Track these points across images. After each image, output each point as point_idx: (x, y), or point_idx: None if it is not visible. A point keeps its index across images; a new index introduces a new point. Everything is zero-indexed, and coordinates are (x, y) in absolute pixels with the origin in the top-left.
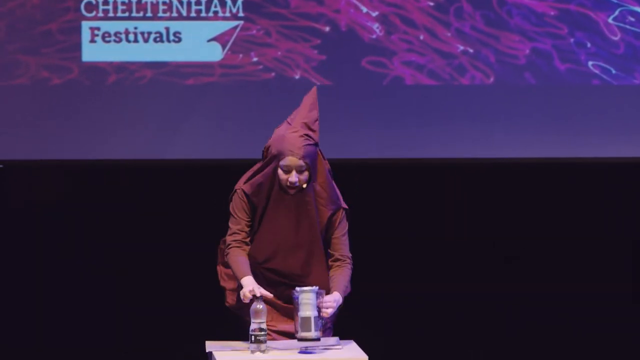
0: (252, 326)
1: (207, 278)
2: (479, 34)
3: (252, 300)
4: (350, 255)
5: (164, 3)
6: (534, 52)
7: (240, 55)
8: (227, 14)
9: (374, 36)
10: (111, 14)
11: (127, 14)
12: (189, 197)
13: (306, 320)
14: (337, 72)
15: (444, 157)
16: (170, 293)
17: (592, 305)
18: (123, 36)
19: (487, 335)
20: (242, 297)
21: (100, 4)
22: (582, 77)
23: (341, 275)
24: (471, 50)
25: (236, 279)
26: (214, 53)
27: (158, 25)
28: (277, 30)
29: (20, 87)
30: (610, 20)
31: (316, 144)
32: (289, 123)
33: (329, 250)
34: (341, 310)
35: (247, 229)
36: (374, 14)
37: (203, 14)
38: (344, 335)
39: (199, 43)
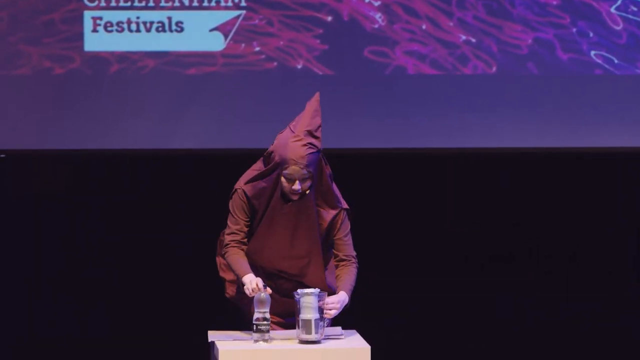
0: (256, 315)
1: (209, 268)
2: (481, 24)
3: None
4: (354, 254)
5: None
6: (537, 42)
7: (243, 45)
8: (229, 4)
9: (376, 26)
10: (113, 4)
11: (129, 4)
12: (191, 187)
13: (307, 322)
14: (340, 61)
15: (446, 147)
16: (171, 283)
17: (599, 297)
18: (125, 26)
19: (489, 326)
20: (248, 293)
21: None
22: (585, 67)
23: (347, 274)
24: (473, 40)
25: (237, 277)
26: (216, 43)
27: (160, 15)
28: (280, 20)
29: (22, 77)
30: (612, 9)
31: (319, 151)
32: (292, 130)
33: (334, 251)
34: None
35: (245, 229)
36: (376, 3)
37: (205, 4)
38: (346, 326)
39: (201, 33)
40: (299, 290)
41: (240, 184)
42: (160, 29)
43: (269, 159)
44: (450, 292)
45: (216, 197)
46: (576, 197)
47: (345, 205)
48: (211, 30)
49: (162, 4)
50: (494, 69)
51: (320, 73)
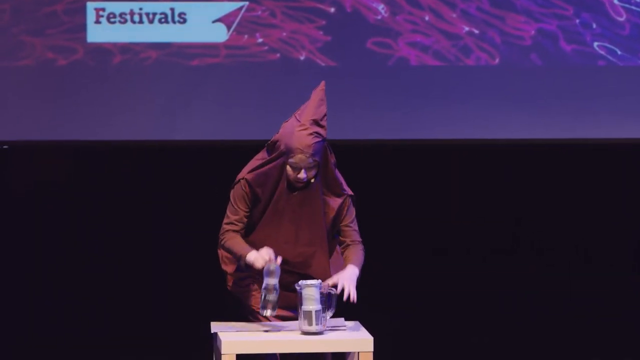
0: (264, 285)
1: (212, 260)
2: (484, 15)
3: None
4: (361, 240)
5: None
6: (540, 33)
7: (245, 36)
8: None
9: (379, 17)
10: None
11: None
12: (194, 179)
13: (308, 314)
14: (342, 53)
15: (449, 138)
16: (174, 275)
17: (602, 291)
18: (128, 17)
19: (492, 319)
20: (259, 265)
21: None
22: (588, 58)
23: (355, 253)
24: (476, 31)
25: (239, 257)
26: (219, 34)
27: (163, 6)
28: (282, 11)
29: (25, 69)
30: (615, 1)
31: (324, 140)
32: (297, 119)
33: (340, 238)
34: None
35: (244, 221)
36: None
37: None
38: (349, 317)
39: (204, 24)
40: (300, 282)
41: (243, 173)
42: (163, 20)
43: (273, 147)
44: (453, 285)
45: (219, 189)
46: (579, 189)
47: (350, 192)
48: (214, 21)
49: None
50: (497, 60)
51: (323, 64)
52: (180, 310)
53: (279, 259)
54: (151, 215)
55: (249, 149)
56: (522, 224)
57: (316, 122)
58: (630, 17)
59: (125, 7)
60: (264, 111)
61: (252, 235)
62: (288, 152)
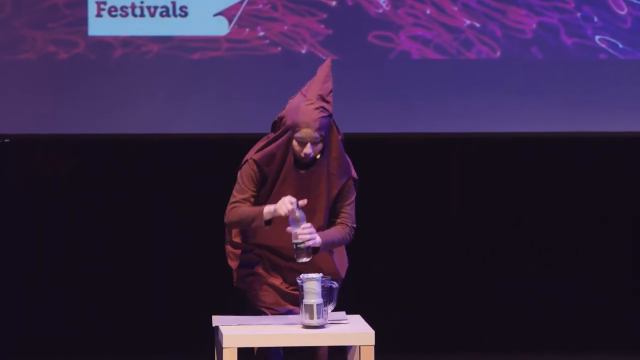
0: (292, 235)
1: (214, 254)
2: (485, 8)
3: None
4: (353, 224)
5: None
6: (541, 27)
7: (247, 30)
8: None
9: (381, 10)
10: None
11: None
12: (195, 172)
13: (310, 307)
14: (344, 46)
15: (450, 132)
16: (174, 269)
17: (601, 291)
18: (129, 10)
19: (491, 315)
20: (283, 213)
21: None
22: (589, 52)
23: (331, 231)
24: (478, 25)
25: (254, 218)
26: (220, 27)
27: (164, 0)
28: (284, 5)
29: (26, 62)
30: None
31: (330, 115)
32: (303, 94)
33: (332, 219)
34: (346, 288)
35: (252, 200)
36: None
37: None
38: (351, 310)
39: (205, 17)
40: (301, 275)
41: (250, 154)
42: (164, 13)
43: (279, 124)
44: (454, 279)
45: (221, 182)
46: (580, 183)
47: (355, 175)
48: (215, 15)
49: None
50: (498, 53)
51: (325, 58)
52: (181, 304)
53: (302, 201)
54: (151, 208)
55: (250, 141)
56: (523, 220)
57: (322, 98)
58: (632, 11)
59: (126, 1)
60: (265, 105)
61: None
62: (294, 127)
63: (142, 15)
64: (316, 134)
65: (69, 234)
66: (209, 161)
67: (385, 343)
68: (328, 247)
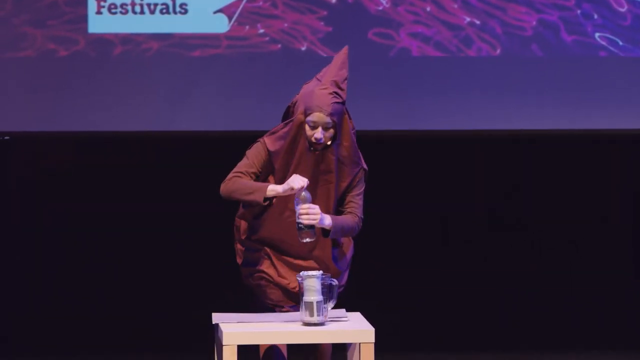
0: (297, 214)
1: (215, 252)
2: (485, 6)
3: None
4: (361, 216)
5: None
6: (541, 24)
7: (247, 27)
8: None
9: (381, 8)
10: None
11: None
12: (195, 169)
13: (309, 305)
14: (344, 43)
15: (450, 129)
16: (177, 267)
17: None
18: (129, 7)
19: (492, 314)
20: (298, 183)
21: None
22: (589, 49)
23: (342, 217)
24: (478, 22)
25: (253, 191)
26: (220, 24)
27: None
28: (284, 2)
29: (26, 60)
30: None
31: (344, 103)
32: (318, 80)
33: (340, 208)
34: (346, 285)
35: (253, 178)
36: None
37: None
38: (351, 308)
39: (205, 14)
40: (301, 273)
41: (263, 137)
42: (164, 10)
43: (292, 108)
44: (453, 276)
45: (221, 179)
46: (580, 181)
47: (365, 166)
48: (215, 12)
49: None
50: (498, 51)
51: (325, 55)
52: (181, 302)
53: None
54: (151, 205)
55: (251, 139)
56: (523, 218)
57: (336, 84)
58: (632, 8)
59: None
60: (265, 102)
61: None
62: (307, 110)
63: (142, 12)
64: (328, 119)
65: (68, 232)
66: (209, 158)
67: (385, 340)
68: (338, 232)
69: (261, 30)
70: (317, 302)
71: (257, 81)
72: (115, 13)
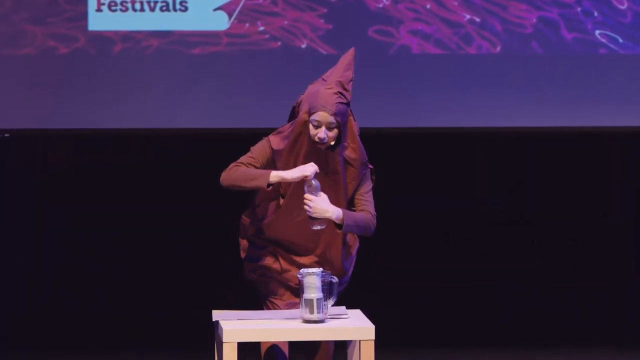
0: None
1: (215, 248)
2: (485, 3)
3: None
4: (374, 213)
5: None
6: (541, 21)
7: (247, 25)
8: None
9: (381, 5)
10: None
11: None
12: (195, 167)
13: (309, 302)
14: (344, 41)
15: (450, 127)
16: (177, 265)
17: (604, 286)
18: (129, 5)
19: (492, 310)
20: (309, 170)
21: None
22: (589, 46)
23: (355, 212)
24: (478, 20)
25: (256, 177)
26: (220, 22)
27: None
28: None
29: (26, 57)
30: None
31: (348, 104)
32: (324, 80)
33: (352, 208)
34: (350, 282)
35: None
36: None
37: None
38: (351, 305)
39: (205, 12)
40: (302, 270)
41: (269, 136)
42: (164, 8)
43: (297, 108)
44: (453, 274)
45: (219, 177)
46: (580, 178)
47: (370, 165)
48: (215, 9)
49: None
50: (498, 48)
51: (325, 52)
52: (181, 301)
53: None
54: (151, 202)
55: (251, 136)
56: (524, 215)
57: (341, 84)
58: (632, 5)
59: None
60: (265, 99)
61: (270, 216)
62: (311, 109)
63: (142, 10)
64: (332, 119)
65: (68, 232)
66: (209, 157)
67: (385, 338)
68: (351, 225)
69: (261, 28)
70: (317, 299)
71: (257, 79)
72: (115, 10)
